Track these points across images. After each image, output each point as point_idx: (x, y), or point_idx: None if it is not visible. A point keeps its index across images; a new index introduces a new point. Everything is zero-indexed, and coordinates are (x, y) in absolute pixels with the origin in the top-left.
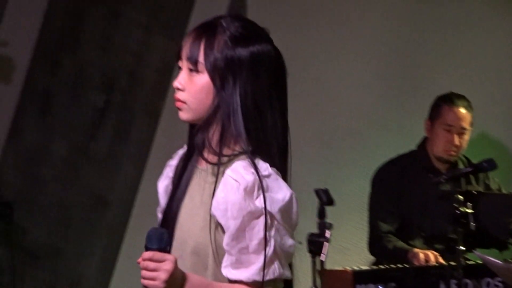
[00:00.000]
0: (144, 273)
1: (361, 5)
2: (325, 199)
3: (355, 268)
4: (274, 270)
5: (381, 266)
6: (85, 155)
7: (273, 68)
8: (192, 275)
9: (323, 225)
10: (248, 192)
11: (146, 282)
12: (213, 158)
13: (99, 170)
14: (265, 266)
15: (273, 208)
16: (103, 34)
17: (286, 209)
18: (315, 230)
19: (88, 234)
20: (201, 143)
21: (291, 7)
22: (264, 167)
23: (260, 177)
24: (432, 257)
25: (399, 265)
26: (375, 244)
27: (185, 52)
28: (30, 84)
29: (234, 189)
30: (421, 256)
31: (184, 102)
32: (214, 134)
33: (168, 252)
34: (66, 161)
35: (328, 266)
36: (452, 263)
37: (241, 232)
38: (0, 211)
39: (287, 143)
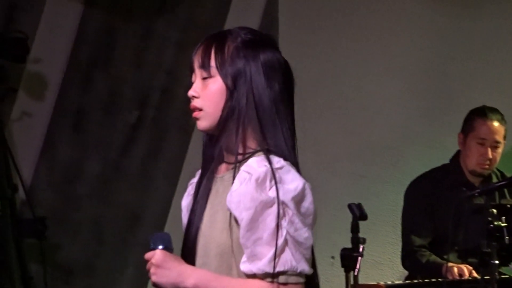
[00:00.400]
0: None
1: (393, 22)
2: (358, 213)
3: (388, 282)
4: (286, 262)
5: (415, 281)
6: (118, 171)
7: (283, 73)
8: (195, 268)
9: (357, 240)
10: (260, 183)
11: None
12: (231, 160)
13: (131, 186)
14: (275, 256)
15: (286, 197)
16: (136, 51)
17: (299, 198)
18: (348, 245)
19: (120, 250)
20: (219, 150)
21: (323, 22)
22: (277, 160)
23: (272, 169)
24: (466, 271)
25: (433, 279)
26: (409, 258)
27: (196, 62)
28: (62, 101)
29: (246, 180)
30: (455, 270)
31: (200, 109)
32: (230, 137)
33: (170, 249)
34: (99, 177)
35: (362, 280)
36: (486, 277)
37: (254, 222)
38: (34, 227)
39: (294, 145)
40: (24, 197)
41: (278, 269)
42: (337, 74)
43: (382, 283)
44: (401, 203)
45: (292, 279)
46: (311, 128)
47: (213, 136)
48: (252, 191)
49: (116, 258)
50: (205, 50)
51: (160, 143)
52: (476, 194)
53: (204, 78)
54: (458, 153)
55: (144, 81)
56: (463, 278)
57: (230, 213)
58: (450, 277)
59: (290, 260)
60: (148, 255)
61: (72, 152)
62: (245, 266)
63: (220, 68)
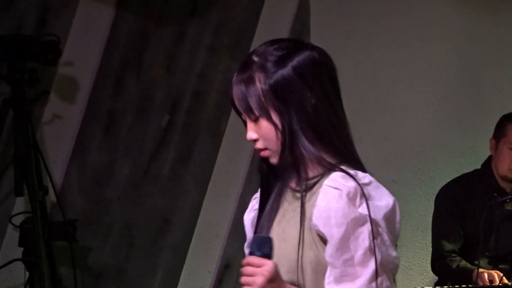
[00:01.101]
0: (243, 278)
1: (425, 27)
2: None
3: None
4: (382, 284)
5: (445, 286)
6: (148, 174)
7: (320, 69)
8: (290, 286)
9: None
10: (351, 199)
11: (244, 286)
12: (305, 175)
13: (161, 190)
14: (377, 276)
15: (377, 215)
16: (167, 54)
17: (390, 216)
18: None
19: (150, 253)
20: (288, 177)
21: (355, 28)
22: (363, 175)
23: (360, 185)
24: (497, 277)
25: (463, 285)
26: (439, 264)
27: (239, 107)
28: (93, 104)
29: (337, 196)
30: (486, 276)
31: (265, 149)
32: (299, 161)
33: (270, 258)
34: (129, 180)
35: None
36: None
37: (345, 241)
38: (64, 230)
39: (351, 139)
40: (55, 200)
41: None
42: (369, 80)
43: None
44: (431, 208)
45: None
46: None
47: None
48: (344, 207)
49: (146, 261)
50: (240, 96)
51: (190, 147)
52: (508, 200)
53: (252, 119)
54: (489, 159)
55: (176, 85)
56: (493, 284)
57: (310, 230)
58: (481, 283)
59: (385, 281)
60: (255, 261)
61: (103, 155)
62: (332, 285)
63: (261, 109)
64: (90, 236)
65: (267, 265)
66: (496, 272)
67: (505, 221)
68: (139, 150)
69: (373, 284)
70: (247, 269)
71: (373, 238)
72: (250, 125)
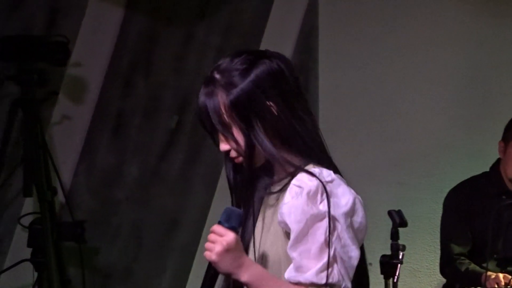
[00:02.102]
0: (206, 243)
1: (434, 30)
2: (398, 220)
3: None
4: (334, 275)
5: None
6: (157, 175)
7: (278, 78)
8: (254, 264)
9: (396, 247)
10: (311, 197)
11: (205, 252)
12: (280, 176)
13: (170, 191)
14: (328, 266)
15: (337, 212)
16: (176, 55)
17: (350, 213)
18: (386, 251)
19: (159, 254)
20: (261, 182)
21: (364, 30)
22: (327, 174)
23: (323, 183)
24: (505, 280)
25: None
26: (447, 266)
27: (205, 124)
28: (102, 105)
29: (298, 194)
30: (494, 278)
31: (239, 157)
32: (270, 166)
33: (236, 232)
34: (137, 181)
35: None
36: None
37: (303, 235)
38: (73, 230)
39: (321, 139)
40: (64, 201)
41: (324, 280)
42: (377, 82)
43: None
44: (439, 211)
45: None
46: (350, 135)
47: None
48: (303, 205)
49: (154, 262)
50: (204, 112)
51: (199, 148)
52: None
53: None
54: (498, 162)
55: (184, 86)
56: (501, 287)
57: (280, 226)
58: (489, 286)
59: (338, 275)
60: (219, 230)
61: (112, 156)
62: (290, 273)
63: (222, 125)
64: (98, 236)
65: (228, 236)
66: (504, 275)
67: None
68: (148, 151)
69: (322, 275)
70: (210, 236)
71: (329, 233)
72: (221, 137)
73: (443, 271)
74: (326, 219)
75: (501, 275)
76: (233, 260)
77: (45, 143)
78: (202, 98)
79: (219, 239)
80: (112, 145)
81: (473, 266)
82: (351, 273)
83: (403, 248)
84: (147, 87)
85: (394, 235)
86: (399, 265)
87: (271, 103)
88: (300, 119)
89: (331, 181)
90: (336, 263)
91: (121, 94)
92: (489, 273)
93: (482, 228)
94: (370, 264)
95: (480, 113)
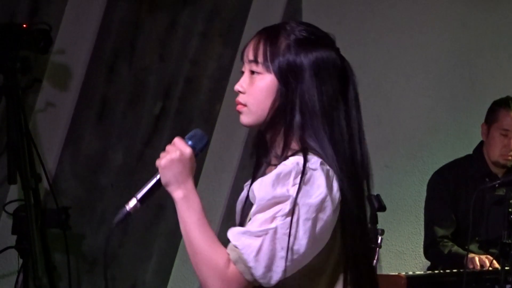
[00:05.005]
0: (162, 152)
1: (418, 12)
2: (377, 205)
3: (410, 273)
4: (249, 248)
5: (436, 271)
6: (142, 161)
7: (338, 75)
8: (195, 192)
9: (375, 231)
10: (282, 178)
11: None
12: (275, 162)
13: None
14: (254, 237)
15: (302, 200)
16: (160, 41)
17: (317, 207)
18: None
19: (144, 239)
20: (266, 148)
21: (347, 13)
22: (314, 161)
23: (305, 168)
24: (487, 262)
25: (454, 270)
26: (431, 249)
27: (247, 54)
28: (86, 91)
29: (271, 173)
30: (476, 260)
31: (244, 105)
32: (276, 137)
33: (196, 154)
34: (122, 167)
35: (385, 270)
36: (507, 268)
37: (258, 212)
38: (57, 217)
39: (354, 151)
40: (48, 187)
41: (236, 242)
42: (362, 65)
43: (403, 273)
44: (424, 193)
45: (241, 266)
46: None
47: (260, 139)
48: (268, 184)
49: (140, 248)
50: (257, 45)
51: (183, 134)
52: (497, 185)
53: (252, 73)
54: (481, 144)
55: (168, 71)
56: (484, 269)
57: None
58: (472, 268)
59: (254, 252)
60: (179, 142)
61: (96, 142)
62: (230, 229)
63: (271, 65)
64: (83, 223)
65: (185, 149)
66: (486, 257)
67: (495, 206)
68: (132, 137)
69: (243, 238)
70: (168, 146)
71: (285, 214)
72: (244, 78)
73: (426, 253)
74: (288, 203)
75: (483, 257)
76: (178, 174)
77: (29, 131)
78: (264, 32)
79: (173, 149)
80: (96, 132)
81: (456, 248)
82: (281, 265)
83: (382, 232)
84: (131, 73)
85: (373, 220)
86: (377, 249)
87: (315, 88)
88: (333, 121)
89: (314, 169)
90: (264, 243)
91: (105, 80)
92: (471, 255)
93: (465, 211)
94: None
95: (464, 95)
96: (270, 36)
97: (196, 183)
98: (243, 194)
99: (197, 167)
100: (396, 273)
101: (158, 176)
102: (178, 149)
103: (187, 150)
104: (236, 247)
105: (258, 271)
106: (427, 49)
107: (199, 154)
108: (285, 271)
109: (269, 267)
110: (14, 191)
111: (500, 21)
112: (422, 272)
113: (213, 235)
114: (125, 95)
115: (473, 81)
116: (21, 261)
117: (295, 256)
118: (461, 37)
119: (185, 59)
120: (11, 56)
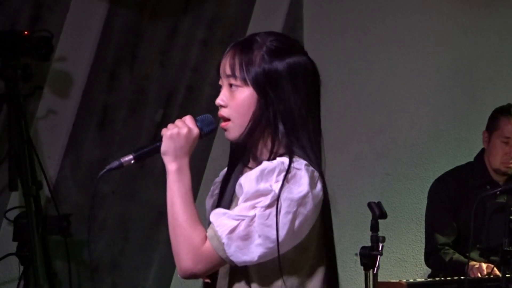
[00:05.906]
0: (170, 124)
1: (419, 21)
2: (377, 212)
3: (410, 280)
4: (225, 227)
5: (437, 278)
6: (143, 169)
7: (310, 77)
8: (188, 171)
9: (376, 239)
10: (266, 174)
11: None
12: (256, 164)
13: (156, 184)
14: (234, 220)
15: (284, 195)
16: (161, 49)
17: (297, 201)
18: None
19: (145, 247)
20: (247, 155)
21: (348, 22)
22: (299, 162)
23: (289, 167)
24: (488, 269)
25: (455, 277)
26: (432, 257)
27: (223, 69)
28: (88, 99)
29: (256, 168)
30: (477, 268)
31: (228, 120)
32: (257, 144)
33: (201, 136)
34: (123, 175)
35: (385, 278)
36: (508, 276)
37: (242, 202)
38: (58, 224)
39: (320, 148)
40: (49, 194)
41: (214, 221)
42: (363, 73)
43: (404, 281)
44: (425, 201)
45: (214, 242)
46: (336, 126)
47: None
48: (252, 179)
49: (140, 255)
50: (232, 59)
51: None
52: (498, 192)
53: (231, 86)
54: (482, 151)
55: (169, 79)
56: (485, 277)
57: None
58: (472, 275)
59: (230, 229)
60: (190, 120)
61: (97, 149)
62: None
63: (248, 78)
64: (84, 230)
65: (193, 127)
66: (487, 265)
67: (496, 213)
68: (134, 144)
69: (222, 218)
70: (178, 120)
71: (267, 208)
72: (224, 92)
73: (427, 261)
74: (270, 196)
75: (484, 265)
76: (179, 148)
77: (30, 138)
78: (237, 46)
79: (184, 125)
80: (97, 139)
81: (457, 256)
82: (257, 251)
83: (383, 239)
84: (132, 80)
85: (374, 227)
86: (378, 256)
87: (294, 94)
88: (309, 121)
89: (298, 169)
90: (241, 225)
91: (106, 88)
92: (472, 262)
93: (466, 218)
94: (356, 254)
95: (466, 103)
96: (244, 49)
97: (196, 191)
98: (212, 191)
99: (197, 175)
100: (397, 281)
101: (159, 144)
102: (188, 126)
103: (195, 130)
104: (213, 225)
105: (230, 248)
106: (427, 57)
107: (203, 138)
108: (260, 256)
109: (241, 248)
110: (15, 198)
111: (500, 29)
112: (423, 280)
113: (196, 213)
114: (126, 103)
115: (474, 89)
116: (21, 268)
117: (271, 245)
118: (462, 45)
119: (186, 66)
120: (12, 64)
